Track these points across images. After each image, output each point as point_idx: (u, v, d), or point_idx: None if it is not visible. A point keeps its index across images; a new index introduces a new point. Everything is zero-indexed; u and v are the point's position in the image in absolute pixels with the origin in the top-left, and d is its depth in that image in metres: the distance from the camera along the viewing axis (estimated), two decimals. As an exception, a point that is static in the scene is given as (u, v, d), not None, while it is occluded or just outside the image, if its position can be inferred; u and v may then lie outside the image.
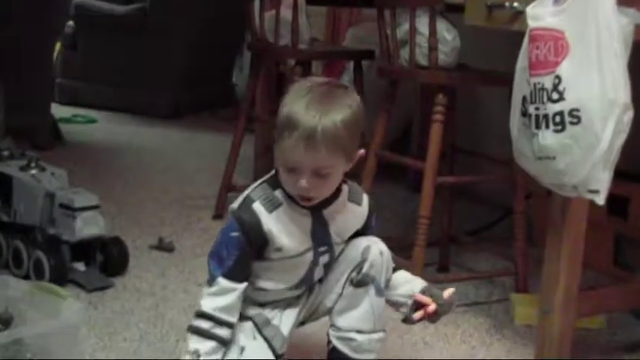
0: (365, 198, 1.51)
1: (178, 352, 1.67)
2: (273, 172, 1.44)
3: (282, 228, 1.39)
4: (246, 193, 1.42)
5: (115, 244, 2.08)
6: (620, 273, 2.24)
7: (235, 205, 1.42)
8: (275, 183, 1.41)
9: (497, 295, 2.12)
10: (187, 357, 1.39)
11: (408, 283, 1.51)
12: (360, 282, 1.45)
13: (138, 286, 2.02)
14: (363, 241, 1.48)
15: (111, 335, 1.73)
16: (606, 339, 1.90)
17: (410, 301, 1.50)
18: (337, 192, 1.44)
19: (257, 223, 1.37)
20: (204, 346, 1.39)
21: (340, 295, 1.47)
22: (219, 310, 1.39)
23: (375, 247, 1.47)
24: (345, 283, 1.47)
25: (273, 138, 1.36)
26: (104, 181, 2.96)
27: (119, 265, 2.08)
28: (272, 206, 1.39)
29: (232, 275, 1.39)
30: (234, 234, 1.37)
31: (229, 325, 1.40)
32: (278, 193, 1.40)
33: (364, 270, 1.45)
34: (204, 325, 1.40)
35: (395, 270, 1.53)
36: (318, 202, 1.40)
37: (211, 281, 1.40)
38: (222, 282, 1.39)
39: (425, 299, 1.48)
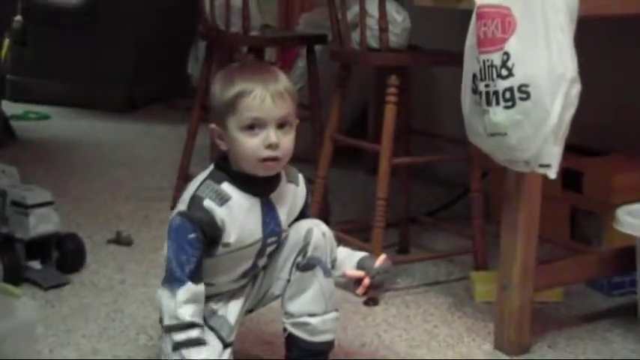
0: (300, 177, 1.52)
1: (139, 346, 1.65)
2: (211, 167, 1.43)
3: (232, 221, 1.38)
4: (190, 192, 1.39)
5: (70, 240, 2.05)
6: (576, 245, 2.28)
7: (183, 206, 1.39)
8: (219, 177, 1.40)
9: (458, 274, 2.14)
10: None
11: (345, 263, 1.50)
12: (307, 266, 1.45)
13: (96, 282, 2.00)
14: (305, 224, 1.47)
15: (69, 332, 1.71)
16: (564, 311, 1.92)
17: (347, 280, 1.50)
18: (278, 175, 1.45)
19: (211, 218, 1.36)
20: (201, 353, 1.36)
21: (288, 281, 1.46)
22: (198, 315, 1.37)
23: (317, 229, 1.46)
24: (291, 268, 1.46)
25: (214, 124, 1.39)
26: (60, 178, 2.92)
27: (76, 262, 2.05)
28: (221, 201, 1.38)
29: (197, 278, 1.36)
30: (192, 235, 1.35)
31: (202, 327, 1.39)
32: (225, 187, 1.39)
33: (309, 253, 1.44)
34: (195, 333, 1.36)
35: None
36: (268, 187, 1.42)
37: (176, 288, 1.34)
38: (192, 287, 1.36)
39: (356, 274, 1.48)
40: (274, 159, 1.37)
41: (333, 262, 1.49)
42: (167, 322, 1.36)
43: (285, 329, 1.49)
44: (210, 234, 1.37)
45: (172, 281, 1.35)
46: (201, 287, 1.37)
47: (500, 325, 1.69)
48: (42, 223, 1.97)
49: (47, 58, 4.26)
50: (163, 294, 1.37)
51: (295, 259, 1.45)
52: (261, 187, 1.42)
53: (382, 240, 1.94)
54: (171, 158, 2.93)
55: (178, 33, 4.45)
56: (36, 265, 1.99)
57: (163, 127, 3.90)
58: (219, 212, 1.37)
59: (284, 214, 1.46)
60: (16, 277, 1.91)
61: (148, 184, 2.89)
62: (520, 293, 1.65)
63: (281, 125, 1.37)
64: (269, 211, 1.43)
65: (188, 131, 2.61)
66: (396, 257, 2.24)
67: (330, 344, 1.50)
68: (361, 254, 1.52)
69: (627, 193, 2.06)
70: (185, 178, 2.60)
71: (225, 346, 1.43)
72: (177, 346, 1.35)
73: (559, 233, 2.29)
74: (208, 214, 1.36)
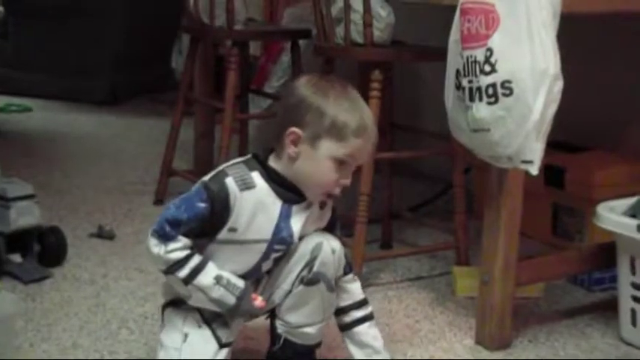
0: (329, 202, 1.47)
1: (120, 340, 1.65)
2: (249, 156, 1.43)
3: (246, 209, 1.37)
4: (220, 167, 1.40)
5: (52, 233, 2.04)
6: (558, 241, 2.29)
7: (207, 177, 1.39)
8: (253, 165, 1.39)
9: (440, 269, 2.14)
10: (215, 293, 1.37)
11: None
12: (311, 280, 1.43)
13: (77, 276, 1.99)
14: (315, 238, 1.45)
15: (50, 326, 1.70)
16: (545, 307, 1.94)
17: None
18: None
19: (225, 194, 1.35)
20: (208, 274, 1.37)
21: (289, 292, 1.45)
22: (188, 247, 1.36)
23: (327, 245, 1.44)
24: (294, 280, 1.44)
25: (298, 129, 1.35)
26: (42, 171, 2.90)
27: (57, 255, 2.03)
28: (244, 185, 1.37)
29: (187, 235, 1.36)
30: (201, 204, 1.34)
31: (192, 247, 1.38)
32: (255, 175, 1.38)
33: (315, 268, 1.42)
34: (194, 261, 1.36)
35: (365, 317, 1.54)
36: (295, 197, 1.40)
37: (166, 240, 1.34)
38: (182, 239, 1.35)
39: None
40: (333, 196, 1.40)
41: (338, 278, 1.48)
42: (162, 267, 1.37)
43: (275, 331, 1.49)
44: (219, 212, 1.35)
45: (162, 235, 1.34)
46: (190, 241, 1.36)
47: (482, 320, 1.70)
48: (23, 216, 1.96)
49: (29, 50, 4.23)
50: (152, 242, 1.36)
51: (300, 271, 1.43)
52: (290, 194, 1.40)
53: (365, 235, 1.95)
54: (155, 152, 2.91)
55: (163, 25, 4.42)
56: (17, 258, 1.97)
57: (146, 120, 3.88)
58: (237, 194, 1.35)
59: (298, 227, 1.42)
60: (-3, 270, 1.90)
61: (130, 177, 2.88)
62: (501, 288, 1.66)
63: None
64: (285, 218, 1.41)
65: (172, 125, 2.60)
66: (379, 252, 2.24)
67: (320, 344, 1.52)
68: None
69: (609, 189, 2.07)
70: (168, 172, 2.60)
71: (222, 346, 1.42)
72: (187, 280, 1.36)
73: (541, 229, 2.31)
74: (225, 190, 1.35)
